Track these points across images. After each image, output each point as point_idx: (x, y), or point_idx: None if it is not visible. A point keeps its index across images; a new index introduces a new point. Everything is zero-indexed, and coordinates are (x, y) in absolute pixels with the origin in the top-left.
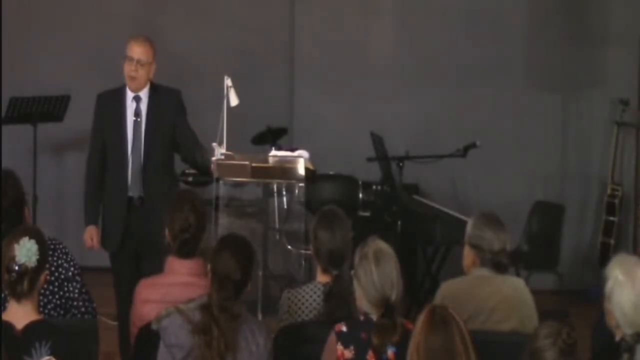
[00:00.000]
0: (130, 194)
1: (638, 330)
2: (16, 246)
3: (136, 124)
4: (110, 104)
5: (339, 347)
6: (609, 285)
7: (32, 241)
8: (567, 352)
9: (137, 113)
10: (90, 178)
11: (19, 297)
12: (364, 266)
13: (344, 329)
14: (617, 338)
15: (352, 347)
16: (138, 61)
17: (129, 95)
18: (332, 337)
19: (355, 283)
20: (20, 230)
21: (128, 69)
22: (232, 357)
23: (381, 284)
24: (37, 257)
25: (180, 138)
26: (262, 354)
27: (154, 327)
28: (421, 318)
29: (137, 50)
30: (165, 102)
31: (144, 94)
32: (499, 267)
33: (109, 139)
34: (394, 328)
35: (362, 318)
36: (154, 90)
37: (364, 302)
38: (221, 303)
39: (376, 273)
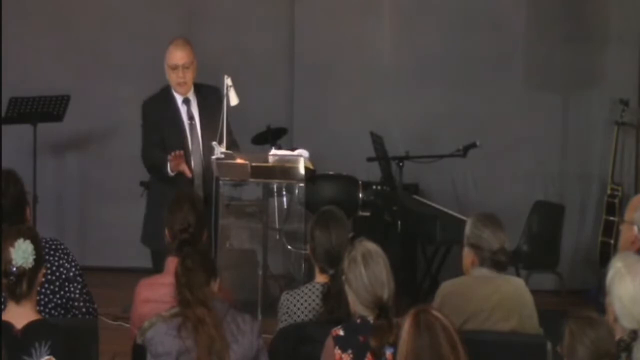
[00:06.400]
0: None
1: (635, 325)
2: (12, 249)
3: (192, 127)
4: (162, 108)
5: (337, 351)
6: (610, 275)
7: (27, 242)
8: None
9: (190, 116)
10: (148, 156)
11: (18, 298)
12: (354, 270)
13: (341, 333)
14: (616, 338)
15: (350, 351)
16: (183, 66)
17: (178, 98)
18: (330, 342)
19: (346, 288)
20: (13, 233)
21: (175, 77)
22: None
23: (372, 285)
24: (34, 256)
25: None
26: (251, 340)
27: (139, 340)
28: (406, 323)
29: (179, 56)
30: (211, 101)
31: (191, 95)
32: (498, 266)
33: (169, 143)
34: (390, 328)
35: (358, 321)
36: (198, 91)
37: (357, 306)
38: (201, 299)
39: (366, 275)
